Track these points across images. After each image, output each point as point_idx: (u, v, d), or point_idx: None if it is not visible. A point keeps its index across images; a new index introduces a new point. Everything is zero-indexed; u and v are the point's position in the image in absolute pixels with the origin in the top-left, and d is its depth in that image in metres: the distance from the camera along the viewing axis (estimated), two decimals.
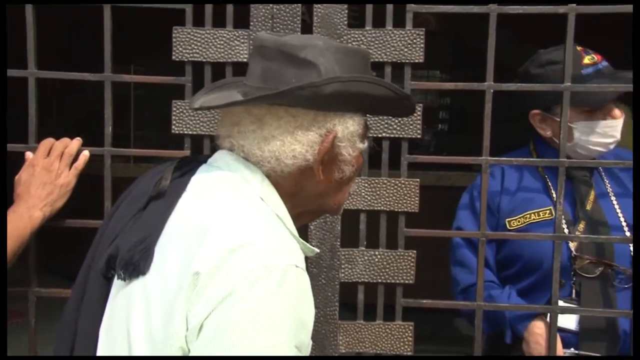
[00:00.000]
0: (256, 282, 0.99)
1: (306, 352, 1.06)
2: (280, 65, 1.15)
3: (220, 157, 1.21)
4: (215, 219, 1.07)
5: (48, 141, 1.66)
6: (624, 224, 1.91)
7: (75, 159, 1.66)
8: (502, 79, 1.73)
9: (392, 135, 1.72)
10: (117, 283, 1.14)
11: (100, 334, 1.13)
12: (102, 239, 1.23)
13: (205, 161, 1.24)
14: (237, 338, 0.96)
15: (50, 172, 1.61)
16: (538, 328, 1.84)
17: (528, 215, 1.94)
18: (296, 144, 1.15)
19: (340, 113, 1.17)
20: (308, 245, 1.22)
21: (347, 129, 1.18)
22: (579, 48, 1.89)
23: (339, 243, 1.74)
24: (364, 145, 1.23)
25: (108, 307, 1.14)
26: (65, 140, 1.68)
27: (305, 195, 1.22)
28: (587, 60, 1.88)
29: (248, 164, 1.17)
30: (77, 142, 1.68)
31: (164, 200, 1.17)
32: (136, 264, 1.09)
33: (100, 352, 1.12)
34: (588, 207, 1.93)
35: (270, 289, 0.99)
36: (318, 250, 1.28)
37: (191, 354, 1.00)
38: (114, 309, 1.13)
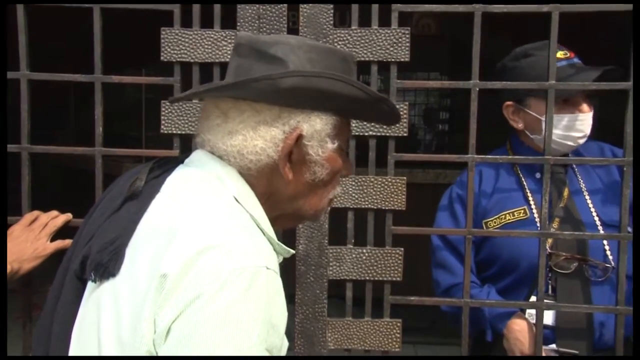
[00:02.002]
0: (225, 284, 0.91)
1: (278, 354, 0.98)
2: (251, 62, 1.09)
3: (196, 157, 1.14)
4: (184, 220, 1.00)
5: (32, 214, 1.60)
6: (597, 220, 1.85)
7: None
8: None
9: (378, 134, 1.64)
10: (90, 285, 1.07)
11: (72, 337, 1.06)
12: (80, 238, 1.16)
13: (182, 161, 1.17)
14: (204, 342, 0.88)
15: (28, 234, 1.53)
16: (517, 325, 1.80)
17: (503, 216, 1.90)
18: (259, 139, 1.07)
19: (307, 111, 1.08)
20: (284, 246, 1.14)
21: (313, 128, 1.09)
22: None
23: (326, 241, 1.66)
24: (334, 146, 1.12)
25: (80, 310, 1.07)
26: (53, 213, 1.61)
27: (279, 197, 1.13)
28: (560, 54, 1.82)
29: (223, 163, 1.10)
30: (63, 218, 1.61)
31: (137, 201, 1.09)
32: (106, 266, 1.02)
33: (71, 355, 1.04)
34: (562, 204, 1.88)
35: (239, 291, 0.91)
36: (293, 251, 1.19)
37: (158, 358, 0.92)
38: (86, 311, 1.05)
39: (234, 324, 0.90)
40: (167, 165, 1.15)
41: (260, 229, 1.08)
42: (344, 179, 1.63)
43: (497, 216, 1.89)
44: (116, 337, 0.97)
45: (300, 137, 1.08)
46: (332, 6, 1.61)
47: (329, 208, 1.25)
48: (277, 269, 1.00)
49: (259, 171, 1.09)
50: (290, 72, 1.04)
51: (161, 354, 0.92)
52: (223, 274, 0.91)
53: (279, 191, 1.12)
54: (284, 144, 1.07)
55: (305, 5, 1.61)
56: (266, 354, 0.93)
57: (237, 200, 1.07)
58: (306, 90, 1.04)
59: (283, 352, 1.02)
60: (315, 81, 1.04)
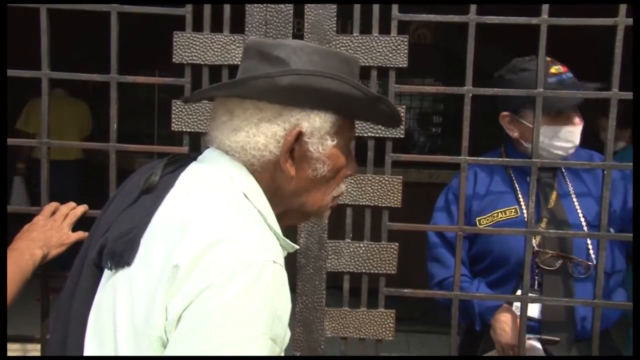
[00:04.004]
0: (233, 276, 0.90)
1: (281, 344, 0.97)
2: (256, 63, 1.08)
3: (208, 154, 1.13)
4: (196, 214, 0.99)
5: (51, 205, 1.60)
6: (583, 221, 1.87)
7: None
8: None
9: (376, 135, 1.63)
10: (106, 273, 1.05)
11: (89, 320, 1.04)
12: (97, 229, 1.15)
13: (195, 158, 1.16)
14: (213, 330, 0.87)
15: (52, 223, 1.54)
16: (503, 317, 1.82)
17: (496, 214, 1.90)
18: (260, 135, 1.06)
19: (307, 109, 1.06)
20: (289, 242, 1.12)
21: (312, 125, 1.06)
22: (548, 59, 1.85)
23: (326, 235, 1.65)
24: (334, 143, 1.10)
25: (97, 295, 1.06)
26: (71, 204, 1.61)
27: (284, 192, 1.11)
28: (553, 70, 1.84)
29: (233, 161, 1.09)
30: (82, 208, 1.61)
31: (152, 195, 1.08)
32: (120, 255, 1.01)
33: (88, 338, 1.03)
34: (550, 206, 1.89)
35: (247, 283, 0.90)
36: (298, 247, 1.17)
37: (169, 345, 0.91)
38: (102, 297, 1.04)
39: (242, 314, 0.88)
40: (181, 162, 1.14)
41: (267, 224, 1.06)
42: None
43: (490, 214, 1.90)
44: (130, 323, 0.96)
45: (300, 135, 1.06)
46: (335, 13, 1.59)
47: (331, 207, 1.19)
48: (282, 262, 0.99)
49: (263, 167, 1.08)
50: (289, 70, 1.03)
51: (172, 340, 0.90)
52: (232, 266, 0.90)
53: (283, 187, 1.10)
54: (284, 141, 1.06)
55: (309, 11, 1.59)
56: (270, 343, 0.92)
57: (246, 197, 1.05)
58: (304, 88, 1.02)
59: (286, 342, 1.00)
60: (312, 80, 1.02)
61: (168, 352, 0.90)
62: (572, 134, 1.84)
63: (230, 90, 1.08)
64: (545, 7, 1.57)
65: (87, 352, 1.01)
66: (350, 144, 1.17)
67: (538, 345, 1.79)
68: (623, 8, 1.57)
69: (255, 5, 1.59)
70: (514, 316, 1.78)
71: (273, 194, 1.10)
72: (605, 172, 1.63)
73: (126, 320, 0.96)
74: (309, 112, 1.06)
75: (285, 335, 0.99)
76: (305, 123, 1.06)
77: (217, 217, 0.98)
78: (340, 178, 1.16)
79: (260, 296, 0.91)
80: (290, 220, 1.18)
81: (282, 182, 1.09)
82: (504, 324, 1.79)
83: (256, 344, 0.89)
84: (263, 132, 1.06)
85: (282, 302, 0.96)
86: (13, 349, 2.70)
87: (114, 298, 1.00)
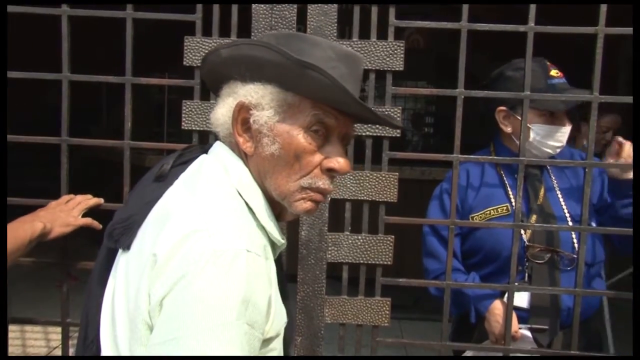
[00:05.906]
0: (206, 265, 0.89)
1: (261, 329, 0.94)
2: None
3: (214, 147, 1.12)
4: (180, 204, 0.98)
5: (69, 196, 1.63)
6: (567, 215, 1.88)
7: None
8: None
9: (374, 134, 1.64)
10: (117, 256, 1.06)
11: (104, 300, 1.04)
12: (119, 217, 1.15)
13: (207, 151, 1.15)
14: (189, 317, 0.86)
15: (63, 207, 1.57)
16: (497, 309, 1.82)
17: (488, 212, 1.90)
18: (223, 107, 1.08)
19: (249, 81, 1.05)
20: (277, 237, 1.07)
21: (253, 97, 1.04)
22: (548, 62, 1.87)
23: (326, 228, 1.66)
24: (276, 117, 1.03)
25: (110, 276, 1.06)
26: (87, 196, 1.64)
27: (255, 174, 1.07)
28: (553, 72, 1.85)
29: (234, 155, 1.07)
30: (95, 200, 1.64)
31: (160, 184, 1.07)
32: (118, 238, 1.02)
33: (102, 316, 1.02)
34: (539, 201, 1.89)
35: (220, 271, 0.89)
36: (285, 242, 1.12)
37: (154, 330, 0.90)
38: (112, 278, 1.05)
39: (215, 300, 0.87)
40: (193, 154, 1.13)
41: (256, 218, 1.03)
42: (344, 177, 1.61)
43: (482, 211, 1.90)
44: (125, 306, 0.96)
45: (244, 107, 1.04)
46: (335, 19, 1.60)
47: (308, 200, 1.06)
48: (260, 252, 0.96)
49: (233, 140, 1.07)
50: (228, 43, 1.05)
51: (156, 326, 0.90)
52: (205, 255, 0.89)
53: (251, 166, 1.07)
54: (232, 111, 1.06)
55: (312, 17, 1.60)
56: (247, 328, 0.90)
57: (237, 190, 1.03)
58: (239, 58, 1.03)
59: (275, 328, 0.99)
60: (244, 48, 1.02)
61: (151, 340, 0.90)
62: (562, 134, 1.86)
63: (201, 70, 1.13)
64: (532, 15, 1.59)
65: (102, 330, 1.01)
66: (322, 132, 1.04)
67: (528, 333, 1.81)
68: (603, 17, 1.58)
69: (261, 11, 1.60)
70: (506, 309, 1.78)
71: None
72: (586, 170, 1.64)
73: (122, 301, 0.97)
74: (250, 84, 1.05)
75: (268, 322, 0.97)
76: (248, 95, 1.04)
77: (197, 208, 0.97)
78: (308, 166, 1.04)
79: (233, 283, 0.89)
80: (283, 216, 1.13)
81: (249, 161, 1.07)
82: (497, 317, 1.80)
83: (231, 330, 0.87)
84: (224, 104, 1.07)
85: (259, 289, 0.93)
86: (35, 331, 2.75)
87: (115, 279, 1.01)
